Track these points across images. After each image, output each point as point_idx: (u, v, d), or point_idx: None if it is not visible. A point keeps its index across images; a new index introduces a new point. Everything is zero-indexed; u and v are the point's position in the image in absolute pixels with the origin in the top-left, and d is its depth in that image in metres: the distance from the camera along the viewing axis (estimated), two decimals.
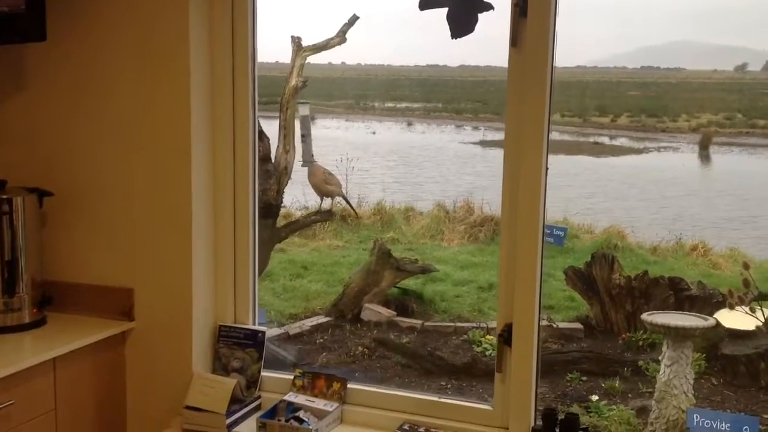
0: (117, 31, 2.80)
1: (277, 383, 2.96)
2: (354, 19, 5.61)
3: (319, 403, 2.83)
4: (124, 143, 2.85)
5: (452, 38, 2.61)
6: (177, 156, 2.79)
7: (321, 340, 6.36)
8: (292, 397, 2.86)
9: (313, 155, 5.68)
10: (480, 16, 2.59)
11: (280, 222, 6.40)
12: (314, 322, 6.61)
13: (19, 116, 2.97)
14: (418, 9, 2.64)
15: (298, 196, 8.47)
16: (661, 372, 4.88)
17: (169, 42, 2.75)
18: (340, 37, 5.66)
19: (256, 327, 3.00)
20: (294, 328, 6.48)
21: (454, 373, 5.74)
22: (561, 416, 2.55)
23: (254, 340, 2.96)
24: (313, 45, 5.72)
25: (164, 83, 2.78)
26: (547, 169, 2.58)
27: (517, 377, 2.64)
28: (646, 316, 5.08)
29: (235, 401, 2.84)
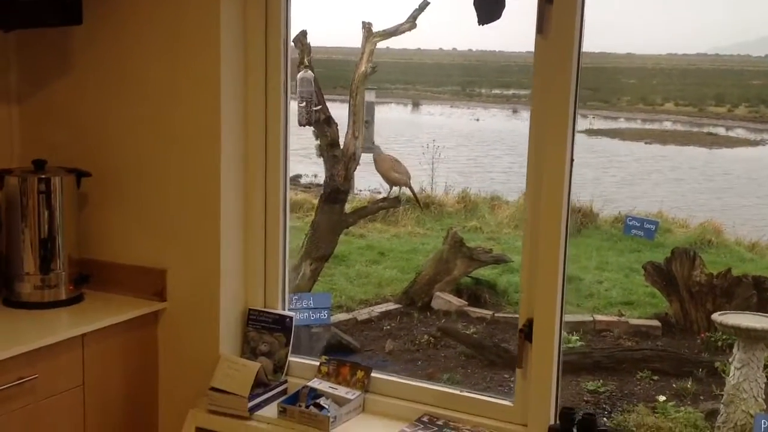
0: (150, 16, 2.85)
1: (304, 369, 2.97)
2: (425, 5, 5.56)
3: (342, 391, 2.82)
4: (159, 127, 2.90)
5: (479, 24, 2.54)
6: (207, 141, 2.82)
7: (388, 327, 6.36)
8: (316, 383, 2.86)
9: (374, 142, 5.66)
10: (511, 1, 2.51)
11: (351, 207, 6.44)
12: (383, 309, 6.61)
13: (62, 99, 3.06)
14: None
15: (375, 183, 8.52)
16: (730, 374, 4.68)
17: (200, 28, 2.78)
18: (410, 23, 5.61)
19: (285, 312, 3.02)
20: (363, 314, 6.51)
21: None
22: (578, 416, 2.46)
23: (282, 324, 2.97)
24: (384, 30, 5.69)
25: (195, 69, 2.81)
26: (572, 160, 2.48)
27: (538, 374, 2.56)
28: (716, 316, 4.88)
29: (260, 385, 2.86)
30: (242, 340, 3.00)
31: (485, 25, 2.54)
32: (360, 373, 2.86)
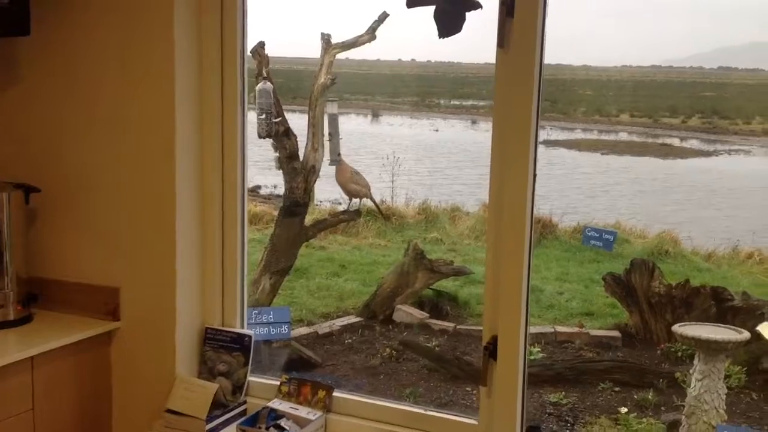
0: (101, 24, 2.76)
1: (264, 389, 2.90)
2: (384, 16, 5.52)
3: (303, 411, 2.74)
4: (111, 140, 2.81)
5: (439, 38, 2.50)
6: (161, 153, 2.74)
7: (349, 341, 6.29)
8: (276, 404, 2.78)
9: (339, 154, 5.59)
10: (470, 15, 2.47)
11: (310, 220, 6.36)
12: (345, 322, 6.54)
13: (10, 111, 2.96)
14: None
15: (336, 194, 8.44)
16: (691, 386, 4.68)
17: (153, 39, 2.70)
18: (370, 35, 5.57)
19: (244, 330, 2.94)
20: (324, 327, 6.43)
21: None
22: None
23: (241, 343, 2.89)
24: (342, 42, 5.64)
25: (148, 78, 2.73)
26: (534, 175, 2.44)
27: (503, 392, 2.52)
28: (677, 328, 4.88)
29: (218, 406, 2.78)
30: (199, 360, 2.92)
31: (446, 38, 2.51)
32: (321, 393, 2.79)
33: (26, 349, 2.61)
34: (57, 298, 2.91)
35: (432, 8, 2.47)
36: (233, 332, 2.91)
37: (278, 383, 2.86)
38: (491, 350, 2.53)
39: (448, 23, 2.45)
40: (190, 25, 2.76)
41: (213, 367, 2.90)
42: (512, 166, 2.40)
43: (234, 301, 2.93)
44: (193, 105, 2.80)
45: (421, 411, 2.71)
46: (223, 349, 2.90)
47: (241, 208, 2.91)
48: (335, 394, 2.78)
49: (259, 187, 11.87)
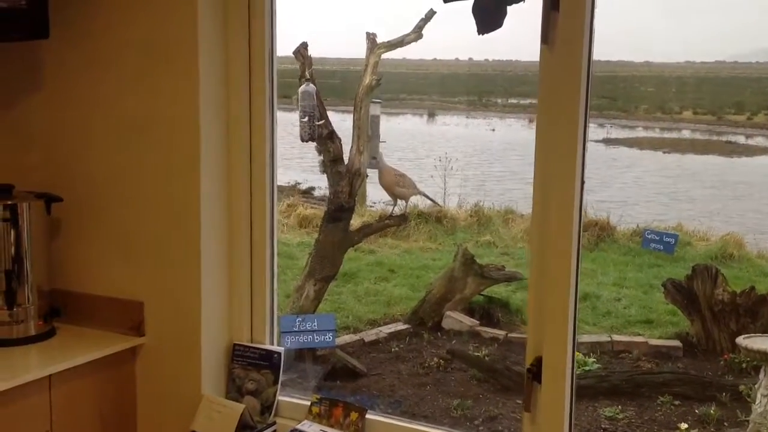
0: (122, 26, 2.64)
1: (293, 409, 2.74)
2: (431, 14, 5.33)
3: None
4: (134, 147, 2.69)
5: (478, 34, 2.31)
6: (185, 160, 2.61)
7: (396, 349, 6.10)
8: (306, 426, 2.63)
9: (375, 158, 5.43)
10: (511, 9, 2.27)
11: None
12: (392, 329, 6.36)
13: (31, 118, 2.85)
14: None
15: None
16: (757, 402, 4.41)
17: (177, 38, 2.57)
18: (416, 33, 5.39)
19: (273, 347, 2.79)
20: (370, 335, 6.26)
21: None
22: None
23: (270, 361, 2.74)
24: (388, 42, 5.47)
25: (172, 84, 2.59)
26: (583, 182, 2.23)
27: (548, 420, 2.31)
28: (741, 340, 4.61)
29: (246, 427, 2.64)
30: (227, 378, 2.78)
31: (486, 35, 2.31)
32: (354, 415, 2.62)
33: (47, 366, 2.50)
34: (80, 312, 2.80)
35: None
36: (262, 349, 2.76)
37: (309, 403, 2.70)
38: (535, 373, 2.33)
39: (488, 18, 2.25)
40: (216, 25, 2.62)
41: (241, 386, 2.76)
42: (557, 173, 2.20)
43: (263, 315, 2.78)
44: (219, 109, 2.66)
45: None
46: (251, 366, 2.76)
47: (270, 216, 2.76)
48: (368, 416, 2.61)
49: (312, 188, 11.77)
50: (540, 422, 2.33)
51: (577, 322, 2.29)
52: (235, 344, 2.78)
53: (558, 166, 2.20)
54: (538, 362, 2.32)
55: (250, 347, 2.78)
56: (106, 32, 2.67)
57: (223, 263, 2.73)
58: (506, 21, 2.28)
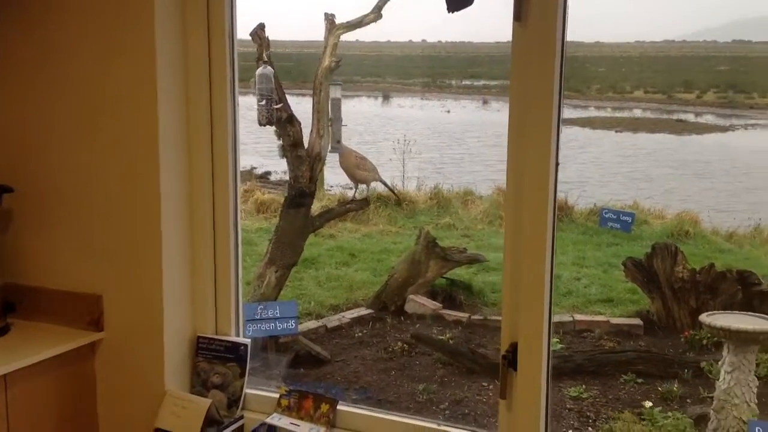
0: (76, 12, 2.52)
1: (262, 402, 2.66)
2: None
3: (305, 427, 2.51)
4: (89, 134, 2.57)
5: (448, 12, 2.24)
6: (144, 147, 2.50)
7: (360, 334, 6.04)
8: (275, 419, 2.55)
9: (339, 141, 5.33)
10: None
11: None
12: (354, 315, 6.30)
13: None
14: None
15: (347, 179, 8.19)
16: (720, 379, 4.43)
17: (132, 22, 2.45)
18: (376, 14, 5.29)
19: (239, 339, 2.70)
20: (333, 321, 6.19)
21: (498, 373, 5.34)
22: None
23: (236, 353, 2.66)
24: (347, 22, 5.36)
25: (127, 69, 2.48)
26: (557, 164, 2.18)
27: (524, 406, 2.26)
28: (705, 317, 4.62)
29: (212, 423, 2.55)
30: (191, 372, 2.68)
31: (455, 13, 2.24)
32: (325, 407, 2.55)
33: (1, 365, 2.38)
34: (35, 307, 2.68)
35: None
36: (228, 341, 2.68)
37: (277, 396, 2.62)
38: (510, 359, 2.28)
39: None
40: (173, 9, 2.50)
41: (206, 380, 2.67)
42: (531, 152, 2.14)
43: (228, 306, 2.69)
44: (178, 95, 2.55)
45: (434, 426, 2.47)
46: (217, 359, 2.67)
47: (233, 204, 2.67)
48: (340, 407, 2.54)
49: (269, 173, 11.61)
50: (516, 409, 2.28)
51: (552, 306, 2.25)
52: (199, 336, 2.69)
53: (532, 147, 2.14)
54: (513, 348, 2.27)
55: (214, 339, 2.69)
56: (58, 18, 2.54)
57: (186, 252, 2.64)
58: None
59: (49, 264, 2.68)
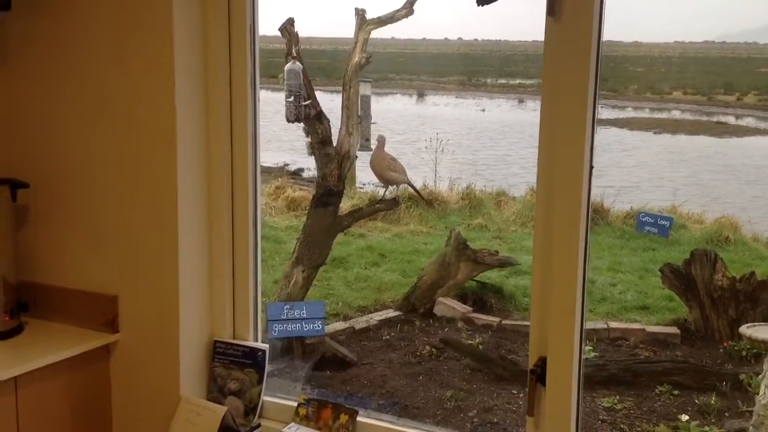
0: (94, 2, 2.42)
1: (279, 410, 2.57)
2: None
3: None
4: (106, 130, 2.50)
5: (478, 5, 2.12)
6: (161, 144, 2.42)
7: (387, 337, 5.93)
8: (292, 429, 2.46)
9: (368, 140, 5.22)
10: None
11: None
12: (382, 316, 6.19)
13: None
14: None
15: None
16: (761, 393, 4.25)
17: (150, 11, 2.36)
18: (407, 9, 5.17)
19: (257, 344, 2.60)
20: (360, 322, 6.08)
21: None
22: None
23: (254, 359, 2.56)
24: (378, 18, 5.25)
25: (145, 60, 2.40)
26: (591, 167, 2.05)
27: (553, 424, 2.14)
28: (745, 329, 4.46)
29: (228, 431, 2.45)
30: (207, 378, 2.60)
31: (484, 6, 2.12)
32: (344, 417, 2.44)
33: (12, 366, 2.32)
34: (50, 306, 2.61)
35: None
36: (245, 346, 2.58)
37: (295, 404, 2.52)
38: (539, 374, 2.15)
39: None
40: (192, 4, 2.41)
41: (223, 386, 2.58)
42: (563, 153, 2.01)
43: (246, 309, 2.60)
44: (197, 88, 2.46)
45: None
46: (234, 364, 2.58)
47: (252, 201, 2.57)
48: (360, 418, 2.43)
49: (301, 170, 11.55)
50: (544, 427, 2.16)
51: (585, 319, 2.12)
52: (216, 341, 2.60)
53: (564, 150, 2.02)
54: (542, 363, 2.15)
55: (232, 344, 2.60)
56: (74, 5, 2.46)
57: (203, 253, 2.55)
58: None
59: (64, 262, 2.61)
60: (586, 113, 1.99)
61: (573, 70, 1.98)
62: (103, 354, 2.57)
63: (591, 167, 2.05)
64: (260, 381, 2.55)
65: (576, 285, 2.05)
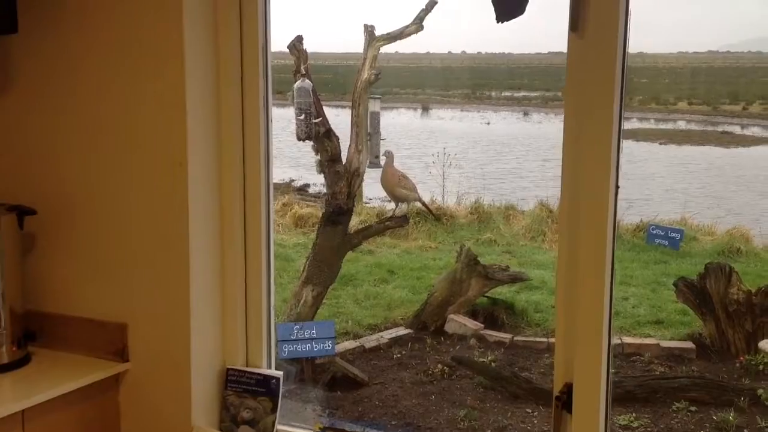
0: (100, 21, 2.38)
1: None
2: (432, 5, 5.07)
3: None
4: (114, 154, 2.43)
5: (497, 22, 2.06)
6: (172, 168, 2.35)
7: (398, 355, 5.86)
8: None
9: (378, 156, 5.17)
10: None
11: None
12: (393, 335, 6.11)
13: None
14: None
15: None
16: None
17: (160, 31, 2.31)
18: (417, 25, 5.13)
19: (271, 372, 2.53)
20: (371, 341, 6.01)
21: (543, 399, 5.12)
22: None
23: (268, 387, 2.49)
24: (387, 34, 5.21)
25: (155, 83, 2.34)
26: (617, 188, 1.99)
27: None
28: (764, 344, 4.38)
29: None
30: (220, 407, 2.52)
31: (505, 22, 2.06)
32: None
33: (20, 399, 2.25)
34: (58, 336, 2.54)
35: None
36: (259, 374, 2.51)
37: None
38: (565, 401, 2.08)
39: (509, 3, 2.00)
40: (204, 18, 2.36)
41: (236, 415, 2.50)
42: (590, 172, 1.95)
43: (259, 336, 2.53)
44: (208, 109, 2.40)
45: None
46: (247, 393, 2.51)
47: (266, 224, 2.51)
48: None
49: (307, 185, 11.50)
50: None
51: (612, 343, 2.05)
52: (228, 369, 2.53)
53: (590, 168, 1.95)
54: (567, 389, 2.07)
55: (245, 372, 2.52)
56: (81, 27, 2.41)
57: (215, 279, 2.48)
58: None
59: (71, 290, 2.54)
60: (611, 130, 1.93)
61: (598, 86, 1.92)
62: (112, 384, 2.50)
63: (617, 187, 1.99)
64: (274, 409, 2.48)
65: (603, 309, 1.99)
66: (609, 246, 1.97)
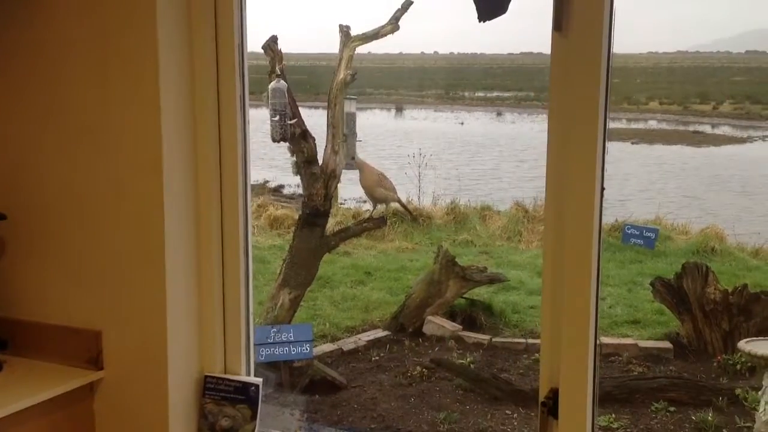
0: (70, 22, 2.31)
1: None
2: (408, 5, 5.03)
3: None
4: (86, 158, 2.36)
5: (479, 21, 2.02)
6: (147, 171, 2.28)
7: (377, 358, 5.82)
8: None
9: (354, 158, 5.12)
10: None
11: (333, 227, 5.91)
12: (371, 337, 6.09)
13: None
14: None
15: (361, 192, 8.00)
16: (761, 409, 4.19)
17: (133, 32, 2.24)
18: (393, 25, 5.09)
19: (250, 379, 2.47)
20: (348, 343, 5.97)
21: (522, 400, 5.11)
22: None
23: (247, 394, 2.43)
24: (363, 34, 5.16)
25: (128, 85, 2.27)
26: (603, 189, 1.95)
27: None
28: (744, 344, 4.39)
29: None
30: (198, 415, 2.46)
31: (484, 22, 2.03)
32: None
33: None
34: (30, 344, 2.46)
35: None
36: (237, 381, 2.45)
37: None
38: (551, 407, 2.04)
39: (491, 2, 1.97)
40: (177, 18, 2.29)
41: (214, 423, 2.44)
42: (575, 174, 1.91)
43: (238, 343, 2.47)
44: (183, 110, 2.33)
45: None
46: (225, 400, 2.44)
47: (243, 231, 2.44)
48: None
49: (282, 186, 11.43)
50: None
51: (598, 348, 2.02)
52: (206, 376, 2.46)
53: (576, 170, 1.91)
54: (553, 394, 2.04)
55: (223, 379, 2.46)
56: (52, 29, 2.34)
57: (192, 284, 2.42)
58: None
59: (44, 297, 2.46)
60: (597, 129, 1.89)
61: (583, 86, 1.88)
62: (86, 393, 2.42)
63: (602, 188, 1.95)
64: (254, 417, 2.42)
65: (590, 314, 1.95)
66: (595, 249, 1.93)
